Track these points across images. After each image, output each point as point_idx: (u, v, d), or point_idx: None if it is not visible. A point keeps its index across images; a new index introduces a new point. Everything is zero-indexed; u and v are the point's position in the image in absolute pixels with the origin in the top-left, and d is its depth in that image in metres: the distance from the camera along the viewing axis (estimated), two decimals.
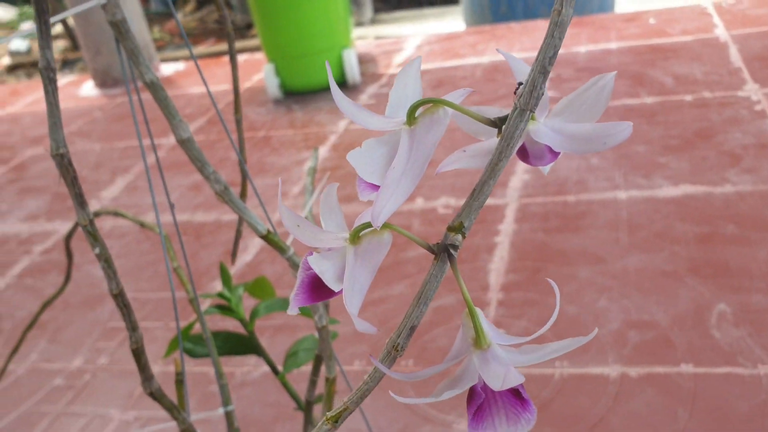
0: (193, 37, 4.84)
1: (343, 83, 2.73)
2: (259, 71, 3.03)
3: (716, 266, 1.37)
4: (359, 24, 4.38)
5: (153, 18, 5.21)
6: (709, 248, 1.43)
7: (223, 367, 1.34)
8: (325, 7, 2.60)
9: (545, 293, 1.39)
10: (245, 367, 1.35)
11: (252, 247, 1.78)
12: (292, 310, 0.32)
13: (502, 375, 0.28)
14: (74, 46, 4.53)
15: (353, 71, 2.66)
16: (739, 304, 1.26)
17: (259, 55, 3.30)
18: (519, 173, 1.83)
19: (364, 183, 0.31)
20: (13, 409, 1.35)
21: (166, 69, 3.45)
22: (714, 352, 1.18)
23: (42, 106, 3.25)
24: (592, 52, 2.55)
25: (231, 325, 1.32)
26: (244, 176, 0.93)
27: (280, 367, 0.94)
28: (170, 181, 2.21)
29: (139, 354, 0.56)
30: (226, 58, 3.54)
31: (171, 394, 0.63)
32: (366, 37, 3.96)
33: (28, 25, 5.66)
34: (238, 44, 4.21)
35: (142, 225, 0.90)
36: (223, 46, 4.26)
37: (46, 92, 0.46)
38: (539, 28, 2.91)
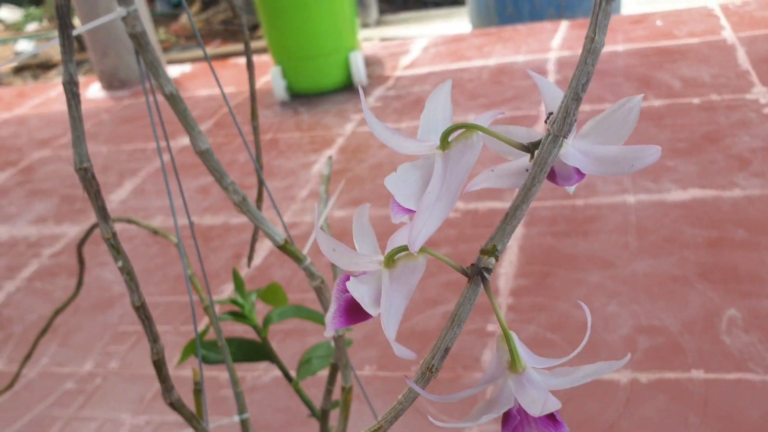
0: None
1: (349, 85, 2.73)
2: (265, 73, 3.03)
3: (726, 271, 1.37)
4: (365, 25, 4.39)
5: (158, 19, 5.22)
6: (718, 253, 1.43)
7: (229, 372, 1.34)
8: (332, 9, 2.61)
9: (554, 298, 1.39)
10: (256, 372, 1.35)
11: (261, 250, 1.78)
12: (329, 332, 0.32)
13: (540, 401, 0.28)
14: (80, 47, 4.55)
15: (360, 74, 2.67)
16: (749, 309, 1.27)
17: (265, 57, 3.30)
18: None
19: (397, 205, 0.31)
20: (25, 413, 1.35)
21: (173, 71, 3.45)
22: (724, 357, 1.18)
23: (49, 108, 3.25)
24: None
25: (240, 329, 1.32)
26: (261, 184, 0.93)
27: (292, 373, 0.94)
28: (177, 185, 2.21)
29: (160, 365, 0.57)
30: (233, 60, 3.55)
31: (184, 397, 0.63)
32: (371, 39, 3.97)
33: (34, 27, 5.67)
34: (242, 46, 4.22)
35: (156, 232, 0.91)
36: (229, 48, 4.27)
37: (69, 106, 0.46)
38: (545, 29, 2.92)
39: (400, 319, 0.30)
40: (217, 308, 1.38)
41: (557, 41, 2.76)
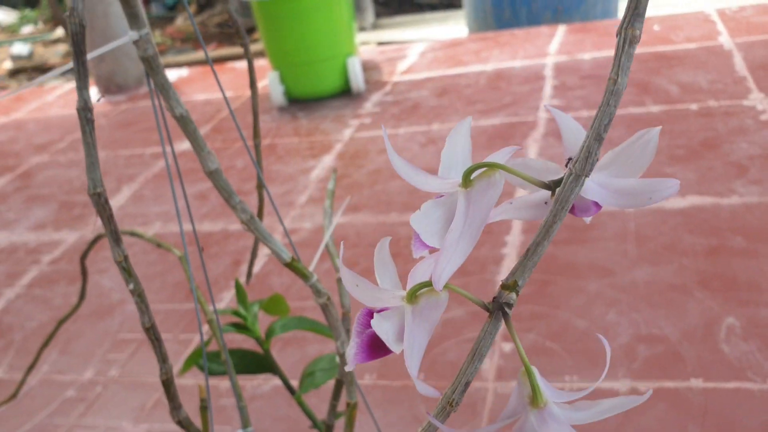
0: (194, 41, 4.84)
1: (347, 91, 2.74)
2: (262, 78, 3.03)
3: (724, 279, 1.38)
4: (361, 29, 4.39)
5: (154, 22, 5.22)
6: (717, 261, 1.43)
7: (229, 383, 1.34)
8: (330, 15, 2.61)
9: (554, 306, 1.40)
10: (256, 381, 1.36)
11: (260, 257, 1.78)
12: (350, 366, 0.32)
13: None
14: None
15: (357, 79, 2.67)
16: (748, 318, 1.27)
17: (262, 61, 3.30)
18: (520, 191, 1.83)
19: (419, 241, 0.32)
20: (26, 421, 1.35)
21: (169, 75, 3.45)
22: (723, 366, 1.18)
23: (47, 113, 3.25)
24: (597, 59, 2.56)
25: (241, 338, 1.32)
26: (261, 201, 0.94)
27: (293, 383, 0.95)
28: (176, 190, 2.21)
29: (168, 384, 0.57)
30: (229, 64, 3.55)
31: (186, 406, 0.63)
32: (368, 43, 3.97)
33: (29, 29, 5.66)
34: (239, 50, 4.22)
35: (159, 246, 0.91)
36: (225, 51, 4.27)
37: (84, 132, 0.46)
38: (543, 34, 2.92)
39: (422, 355, 0.30)
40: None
41: (554, 46, 2.77)
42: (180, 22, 5.24)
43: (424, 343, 0.31)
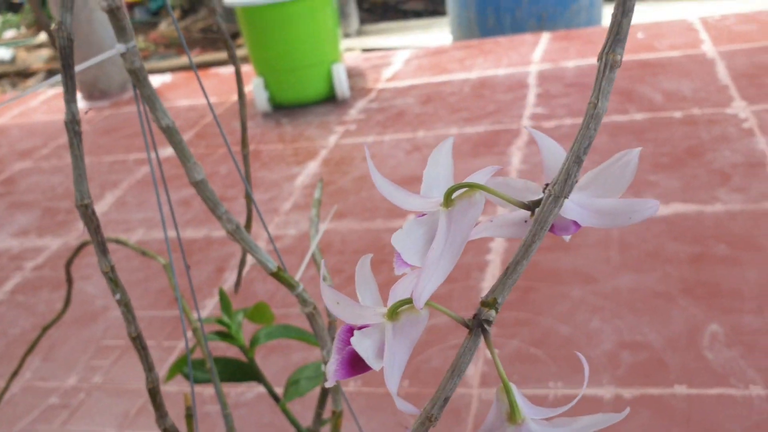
0: (178, 46, 4.83)
1: (332, 98, 2.74)
2: (246, 84, 3.03)
3: (708, 287, 1.39)
4: (345, 35, 4.40)
5: (137, 27, 5.20)
6: (700, 268, 1.44)
7: (213, 390, 1.33)
8: (315, 21, 2.61)
9: (537, 313, 1.40)
10: (239, 389, 1.35)
11: (237, 273, 1.77)
12: (331, 383, 0.32)
13: None
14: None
15: (342, 86, 2.67)
16: (731, 325, 1.28)
17: (247, 67, 3.29)
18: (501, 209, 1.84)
19: (401, 258, 0.32)
20: (8, 429, 1.34)
21: (153, 81, 3.44)
22: (707, 373, 1.19)
23: (30, 118, 3.23)
24: (581, 67, 2.57)
25: (225, 347, 1.32)
26: (250, 212, 0.93)
27: (278, 390, 0.94)
28: (161, 198, 2.20)
29: (154, 393, 0.57)
30: (213, 70, 3.54)
31: (171, 414, 0.63)
32: (353, 49, 3.98)
33: (11, 34, 5.62)
34: (224, 55, 4.21)
35: (144, 253, 0.91)
36: (209, 57, 4.26)
37: (71, 145, 0.46)
38: (527, 42, 2.94)
39: (402, 371, 0.31)
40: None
41: (538, 54, 2.78)
42: (163, 27, 5.23)
43: (404, 361, 0.32)
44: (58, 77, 0.44)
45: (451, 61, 2.92)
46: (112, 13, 0.58)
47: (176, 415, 0.81)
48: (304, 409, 1.19)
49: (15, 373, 1.00)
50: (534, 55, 2.78)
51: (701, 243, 1.52)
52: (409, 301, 0.31)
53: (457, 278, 1.53)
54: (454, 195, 0.32)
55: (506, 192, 0.34)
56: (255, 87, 2.69)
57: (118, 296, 0.53)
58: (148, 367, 0.57)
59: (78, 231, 2.08)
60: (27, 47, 5.16)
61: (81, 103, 3.28)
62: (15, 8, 5.99)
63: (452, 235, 0.31)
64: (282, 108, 2.75)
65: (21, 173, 2.60)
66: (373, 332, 0.32)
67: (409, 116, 2.45)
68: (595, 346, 1.29)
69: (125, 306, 0.54)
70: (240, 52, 4.14)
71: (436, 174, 0.34)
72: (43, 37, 5.19)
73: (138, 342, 0.56)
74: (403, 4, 5.08)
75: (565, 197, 0.31)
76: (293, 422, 0.88)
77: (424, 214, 0.34)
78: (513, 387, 0.31)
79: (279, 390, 0.98)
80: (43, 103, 3.45)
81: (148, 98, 0.63)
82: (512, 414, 0.31)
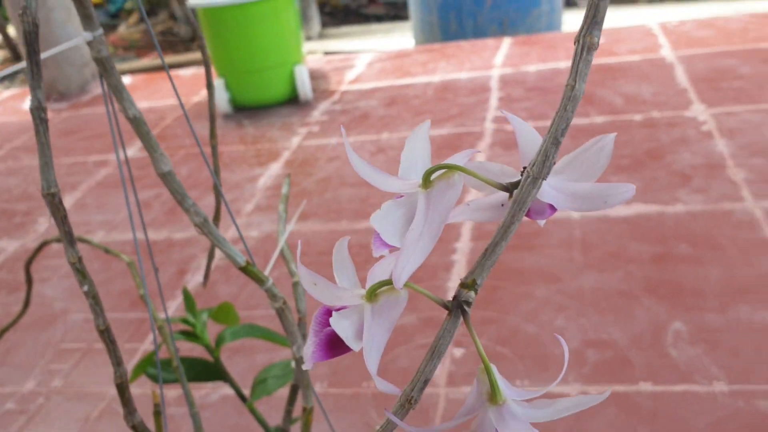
0: (137, 49, 4.77)
1: (294, 99, 2.72)
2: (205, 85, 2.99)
3: (670, 286, 1.40)
4: (307, 38, 4.38)
5: None
6: (662, 268, 1.46)
7: (178, 391, 1.31)
8: (277, 22, 2.60)
9: (503, 311, 1.40)
10: (203, 390, 1.33)
11: (203, 268, 1.75)
12: (308, 366, 0.32)
13: None
14: (15, 56, 4.43)
15: (305, 87, 2.66)
16: (694, 323, 1.29)
17: None
18: (473, 192, 1.84)
19: (379, 240, 0.32)
20: None
21: None
22: (671, 370, 1.20)
23: None
24: (542, 71, 2.59)
25: (188, 347, 1.29)
26: (219, 204, 0.92)
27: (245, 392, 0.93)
28: (118, 199, 2.17)
29: (123, 388, 0.55)
30: (173, 72, 3.50)
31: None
32: (315, 52, 3.96)
33: None
34: (183, 57, 4.17)
35: (107, 251, 0.89)
36: (169, 59, 4.21)
37: (37, 132, 0.45)
38: (489, 47, 2.95)
39: (381, 352, 0.30)
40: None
41: (500, 58, 2.80)
42: (123, 29, 5.16)
43: (384, 342, 0.31)
44: (9, 70, 0.43)
45: (414, 64, 2.92)
46: (79, 0, 0.57)
47: (142, 416, 0.79)
48: (269, 409, 1.18)
49: None
50: (496, 59, 2.80)
51: (663, 243, 1.53)
52: (387, 283, 0.31)
53: (423, 278, 1.52)
54: (433, 176, 0.32)
55: (483, 175, 0.34)
56: (216, 88, 2.66)
57: (86, 288, 0.52)
58: (117, 361, 0.55)
59: (36, 233, 2.03)
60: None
61: None
62: None
63: (431, 215, 0.31)
64: (243, 109, 2.73)
65: None
66: (351, 314, 0.31)
67: (373, 118, 2.45)
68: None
69: (93, 298, 0.52)
70: (200, 55, 4.10)
71: (414, 157, 0.34)
72: None
73: (106, 335, 0.54)
74: (364, 8, 5.08)
75: (543, 179, 0.31)
76: (260, 422, 0.87)
77: (401, 196, 0.34)
78: (493, 368, 0.30)
79: (245, 391, 0.96)
80: (0, 103, 3.38)
81: (115, 88, 0.61)
82: (493, 395, 0.30)
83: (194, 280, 1.70)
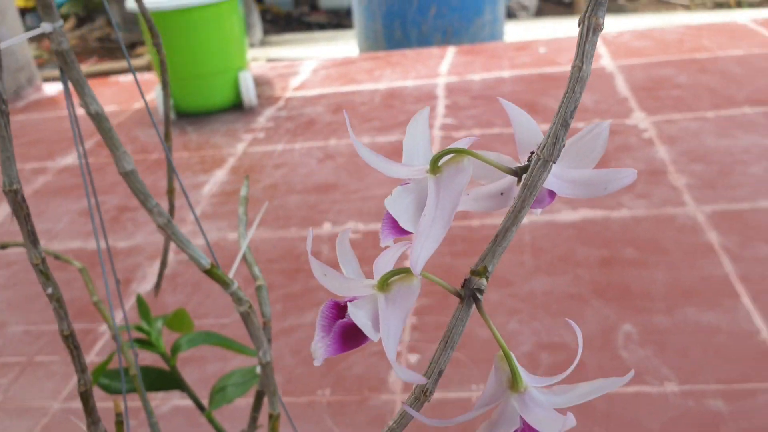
0: (75, 54, 4.65)
1: (238, 105, 2.69)
2: (149, 91, 2.94)
3: (618, 289, 1.43)
4: (250, 45, 4.35)
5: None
6: (610, 271, 1.48)
7: (130, 402, 1.28)
8: (221, 28, 2.57)
9: None
10: (154, 402, 1.29)
11: (151, 275, 1.71)
12: (319, 362, 0.31)
13: (558, 419, 0.28)
14: None
15: (250, 94, 2.63)
16: (643, 325, 1.32)
17: (148, 75, 3.21)
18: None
19: (387, 229, 0.32)
20: None
21: (49, 89, 3.30)
22: (623, 372, 1.22)
23: None
24: (486, 80, 2.62)
25: (142, 356, 1.26)
26: (172, 206, 0.90)
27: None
28: (58, 207, 2.10)
29: (87, 397, 0.53)
30: (112, 78, 3.43)
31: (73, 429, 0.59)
32: (257, 59, 3.93)
33: None
34: (122, 64, 4.09)
35: (57, 257, 0.86)
36: (107, 66, 4.13)
37: None
38: (433, 55, 2.97)
39: (398, 342, 0.30)
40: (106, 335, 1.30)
41: (445, 67, 2.82)
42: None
43: (399, 330, 0.31)
44: None
45: (359, 71, 2.92)
46: None
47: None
48: (226, 419, 1.15)
49: None
50: (441, 67, 2.82)
51: (609, 247, 1.56)
52: (399, 272, 0.31)
53: None
54: (441, 161, 0.32)
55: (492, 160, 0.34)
56: (158, 94, 2.61)
57: (50, 290, 0.50)
58: (81, 368, 0.53)
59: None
60: None
61: None
62: None
63: (442, 201, 0.31)
64: (186, 116, 2.69)
65: None
66: (364, 304, 0.31)
67: (320, 125, 2.43)
68: (514, 348, 1.30)
69: (57, 301, 0.50)
70: (141, 61, 4.03)
71: (415, 143, 0.34)
72: None
73: (71, 341, 0.52)
74: (306, 16, 5.07)
75: (554, 161, 0.31)
76: (219, 431, 0.85)
77: (408, 183, 0.33)
78: (512, 354, 0.30)
79: (202, 401, 0.94)
80: None
81: (77, 82, 0.59)
82: (515, 382, 0.30)
83: (140, 289, 1.66)
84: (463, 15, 3.13)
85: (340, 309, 0.33)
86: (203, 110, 2.66)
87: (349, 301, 0.31)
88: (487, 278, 0.32)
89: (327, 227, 1.78)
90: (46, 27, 0.54)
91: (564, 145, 0.32)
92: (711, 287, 1.40)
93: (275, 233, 1.78)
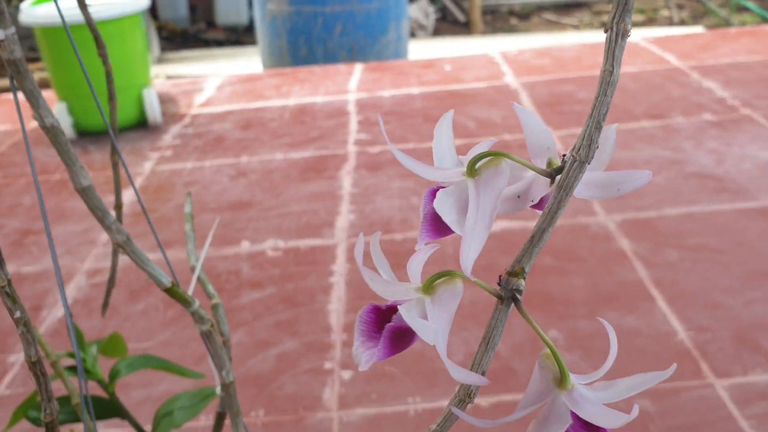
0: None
1: (142, 123, 2.62)
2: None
3: (542, 296, 1.46)
4: None
5: None
6: (532, 279, 1.52)
7: None
8: (123, 44, 2.50)
9: None
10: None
11: (60, 302, 1.64)
12: (364, 367, 0.31)
13: (615, 414, 0.29)
14: None
15: (154, 111, 2.56)
16: (568, 330, 1.36)
17: (47, 93, 3.08)
18: (344, 213, 1.85)
19: (425, 231, 0.33)
20: None
21: None
22: None
23: None
24: (396, 96, 2.65)
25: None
26: (120, 218, 0.86)
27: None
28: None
29: (52, 427, 0.50)
30: (4, 96, 3.27)
31: None
32: (158, 76, 3.84)
33: None
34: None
35: None
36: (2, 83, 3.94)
37: None
38: (341, 72, 2.98)
39: (446, 343, 0.31)
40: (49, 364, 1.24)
41: (354, 83, 2.84)
42: None
43: (447, 332, 0.32)
44: None
45: (266, 88, 2.90)
46: None
47: None
48: None
49: None
50: (350, 84, 2.83)
51: None
52: (442, 275, 0.32)
53: (303, 302, 1.50)
54: (478, 164, 0.33)
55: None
56: (57, 112, 2.51)
57: (18, 314, 0.47)
58: (48, 396, 0.50)
59: None
60: None
61: None
62: None
63: (482, 203, 0.32)
64: (88, 134, 2.59)
65: None
66: (411, 307, 0.32)
67: (229, 141, 2.40)
68: (442, 361, 1.31)
69: (24, 325, 0.47)
70: (41, 75, 3.86)
71: (441, 148, 0.35)
72: None
73: (38, 368, 0.49)
74: (203, 33, 4.99)
75: (588, 162, 0.32)
76: None
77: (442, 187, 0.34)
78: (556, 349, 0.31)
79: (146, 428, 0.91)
80: None
81: (30, 93, 0.56)
82: (563, 380, 0.30)
83: (51, 317, 1.59)
84: (368, 33, 3.16)
85: (380, 313, 0.33)
86: (106, 129, 2.57)
87: (387, 307, 0.32)
88: (524, 278, 0.33)
89: (245, 245, 1.75)
90: None
91: (597, 147, 0.33)
92: (628, 292, 1.46)
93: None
